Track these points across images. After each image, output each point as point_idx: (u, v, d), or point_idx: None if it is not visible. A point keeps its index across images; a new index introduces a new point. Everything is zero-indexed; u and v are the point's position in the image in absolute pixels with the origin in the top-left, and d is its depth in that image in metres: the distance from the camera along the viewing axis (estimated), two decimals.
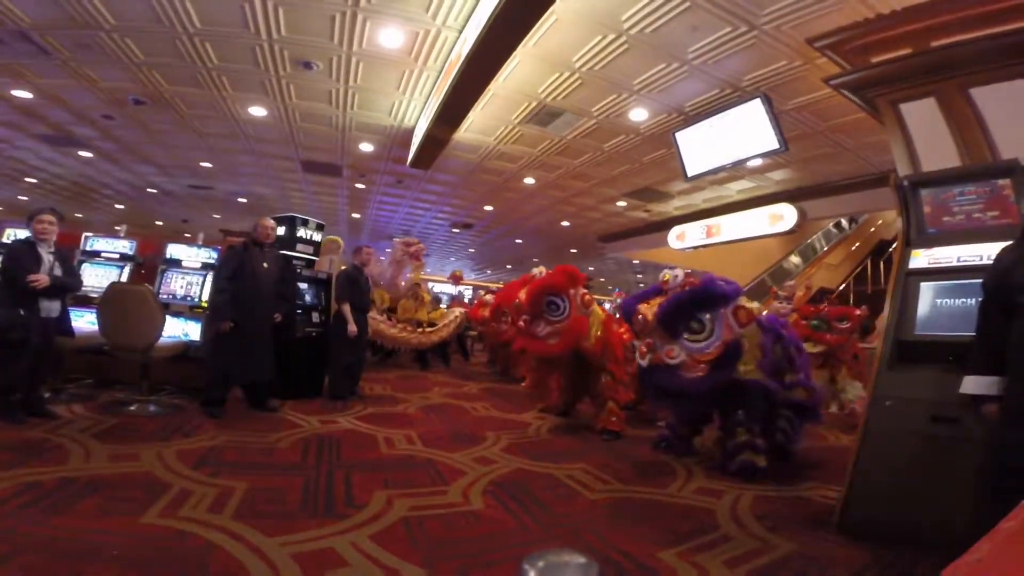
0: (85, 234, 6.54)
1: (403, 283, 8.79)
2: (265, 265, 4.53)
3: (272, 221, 4.76)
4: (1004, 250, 2.13)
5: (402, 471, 3.22)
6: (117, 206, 14.01)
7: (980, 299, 2.17)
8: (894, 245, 10.01)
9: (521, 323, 4.45)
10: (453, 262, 19.89)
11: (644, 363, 3.63)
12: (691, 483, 3.35)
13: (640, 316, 3.66)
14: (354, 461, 3.36)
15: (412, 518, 2.49)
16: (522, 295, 4.56)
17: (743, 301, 3.53)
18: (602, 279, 22.17)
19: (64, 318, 3.91)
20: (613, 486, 3.21)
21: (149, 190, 12.16)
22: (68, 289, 3.90)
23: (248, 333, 4.31)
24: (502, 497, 2.88)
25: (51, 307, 3.76)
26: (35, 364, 3.71)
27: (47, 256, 3.74)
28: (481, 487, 3.01)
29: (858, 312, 5.97)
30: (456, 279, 11.20)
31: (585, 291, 4.54)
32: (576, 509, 2.80)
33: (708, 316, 3.48)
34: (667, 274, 3.89)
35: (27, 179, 11.48)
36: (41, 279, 3.57)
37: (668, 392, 3.58)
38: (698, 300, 3.51)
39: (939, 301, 2.58)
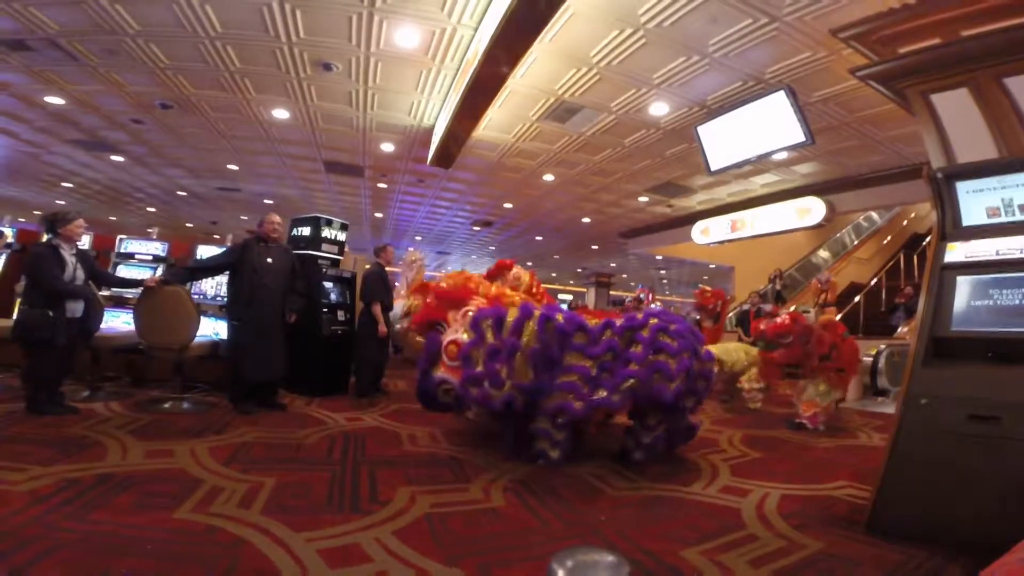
0: (119, 236, 6.77)
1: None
2: (270, 260, 4.48)
3: (278, 217, 4.70)
4: None
5: (425, 468, 3.26)
6: (149, 209, 14.42)
7: None
8: (927, 239, 9.69)
9: None
10: (474, 260, 19.95)
11: None
12: (716, 481, 3.32)
13: None
14: (379, 457, 3.41)
15: (435, 514, 2.52)
16: None
17: None
18: (624, 275, 21.95)
19: (86, 317, 3.95)
20: (637, 484, 3.19)
21: (179, 193, 12.49)
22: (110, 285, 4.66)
23: (257, 330, 4.32)
24: (523, 495, 2.89)
25: (75, 308, 3.86)
26: (60, 362, 3.84)
27: (70, 258, 3.84)
28: (502, 484, 3.03)
29: (788, 317, 5.04)
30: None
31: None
32: (598, 507, 2.79)
33: None
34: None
35: (63, 184, 11.91)
36: (154, 279, 4.28)
37: None
38: None
39: (977, 296, 2.50)
